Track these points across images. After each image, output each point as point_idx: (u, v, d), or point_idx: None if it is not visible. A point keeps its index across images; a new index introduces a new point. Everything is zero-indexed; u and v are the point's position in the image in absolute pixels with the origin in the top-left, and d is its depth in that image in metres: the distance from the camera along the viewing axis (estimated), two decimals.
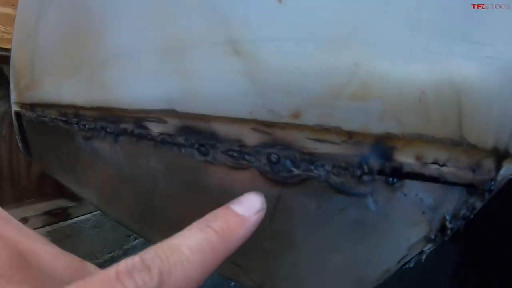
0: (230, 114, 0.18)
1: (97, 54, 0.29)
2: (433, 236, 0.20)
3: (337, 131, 0.16)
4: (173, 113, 0.22)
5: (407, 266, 0.21)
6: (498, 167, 0.17)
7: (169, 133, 0.23)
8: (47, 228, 0.74)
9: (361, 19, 0.15)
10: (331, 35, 0.15)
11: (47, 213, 0.75)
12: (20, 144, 0.61)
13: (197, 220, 0.14)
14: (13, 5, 0.63)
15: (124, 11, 0.24)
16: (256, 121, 0.17)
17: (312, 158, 0.17)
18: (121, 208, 0.35)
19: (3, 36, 0.63)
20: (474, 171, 0.18)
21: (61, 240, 0.76)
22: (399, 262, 0.20)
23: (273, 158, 0.18)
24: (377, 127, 0.16)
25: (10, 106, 0.46)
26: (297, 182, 0.18)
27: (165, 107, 0.22)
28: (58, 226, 0.75)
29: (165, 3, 0.21)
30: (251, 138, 0.18)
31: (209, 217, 0.14)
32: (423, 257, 0.21)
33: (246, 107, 0.17)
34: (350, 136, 0.16)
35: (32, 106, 0.47)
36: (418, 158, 0.17)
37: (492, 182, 0.17)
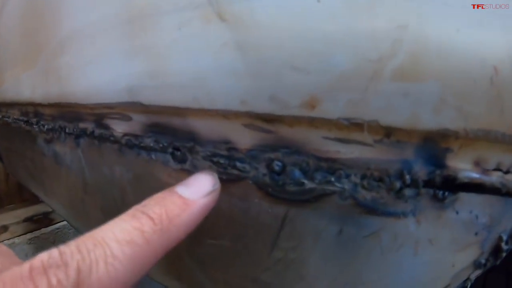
0: (213, 106, 0.13)
1: (53, 38, 0.23)
2: (483, 261, 0.15)
3: (372, 126, 0.11)
4: (138, 106, 0.16)
5: None
6: None
7: (135, 133, 0.18)
8: (29, 236, 0.71)
9: None
10: None
11: (28, 219, 0.72)
12: None
13: (133, 206, 0.12)
14: None
15: None
16: (251, 114, 0.12)
17: (332, 166, 0.12)
18: (89, 224, 0.29)
19: None
20: None
21: (44, 248, 0.73)
22: None
23: (276, 166, 0.13)
24: (430, 121, 0.11)
25: None
26: (310, 199, 0.13)
27: (127, 98, 0.17)
28: (40, 233, 0.73)
29: None
30: (244, 138, 0.13)
31: (146, 202, 0.12)
32: (468, 285, 0.16)
33: (236, 95, 0.12)
34: (388, 134, 0.11)
35: None
36: (477, 163, 0.12)
37: None
